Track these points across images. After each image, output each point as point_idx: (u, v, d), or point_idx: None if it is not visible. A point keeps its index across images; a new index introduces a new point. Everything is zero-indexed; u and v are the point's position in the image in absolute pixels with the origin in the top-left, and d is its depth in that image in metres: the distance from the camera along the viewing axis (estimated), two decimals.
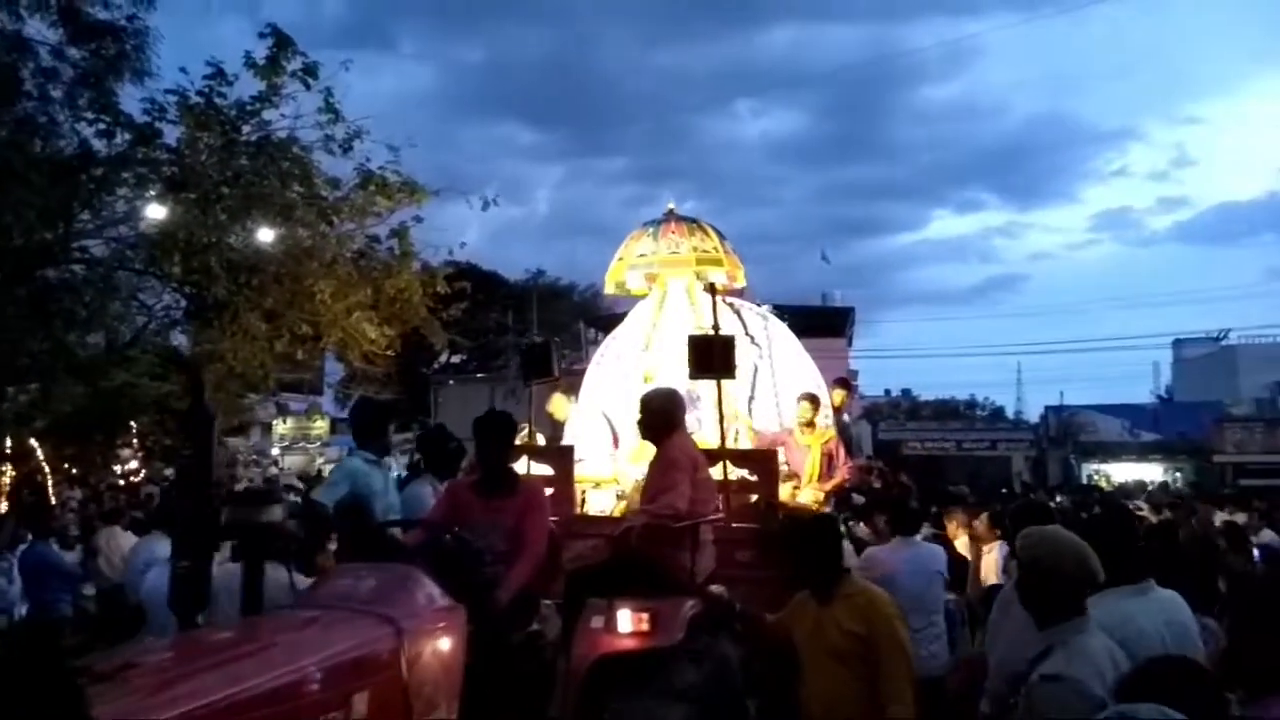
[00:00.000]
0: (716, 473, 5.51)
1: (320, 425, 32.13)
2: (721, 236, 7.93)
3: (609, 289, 8.21)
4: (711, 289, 6.57)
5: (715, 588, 4.53)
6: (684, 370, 6.53)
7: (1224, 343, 41.89)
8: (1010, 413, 47.83)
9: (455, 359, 34.44)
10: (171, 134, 10.32)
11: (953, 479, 19.53)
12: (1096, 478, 30.82)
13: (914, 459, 30.26)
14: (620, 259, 8.01)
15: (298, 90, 10.53)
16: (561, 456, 6.56)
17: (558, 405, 8.18)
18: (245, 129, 10.59)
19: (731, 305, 7.89)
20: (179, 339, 12.02)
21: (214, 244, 9.95)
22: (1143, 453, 33.61)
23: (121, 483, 17.39)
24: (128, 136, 9.92)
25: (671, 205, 8.18)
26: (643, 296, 8.16)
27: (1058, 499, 16.46)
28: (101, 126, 10.06)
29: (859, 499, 8.47)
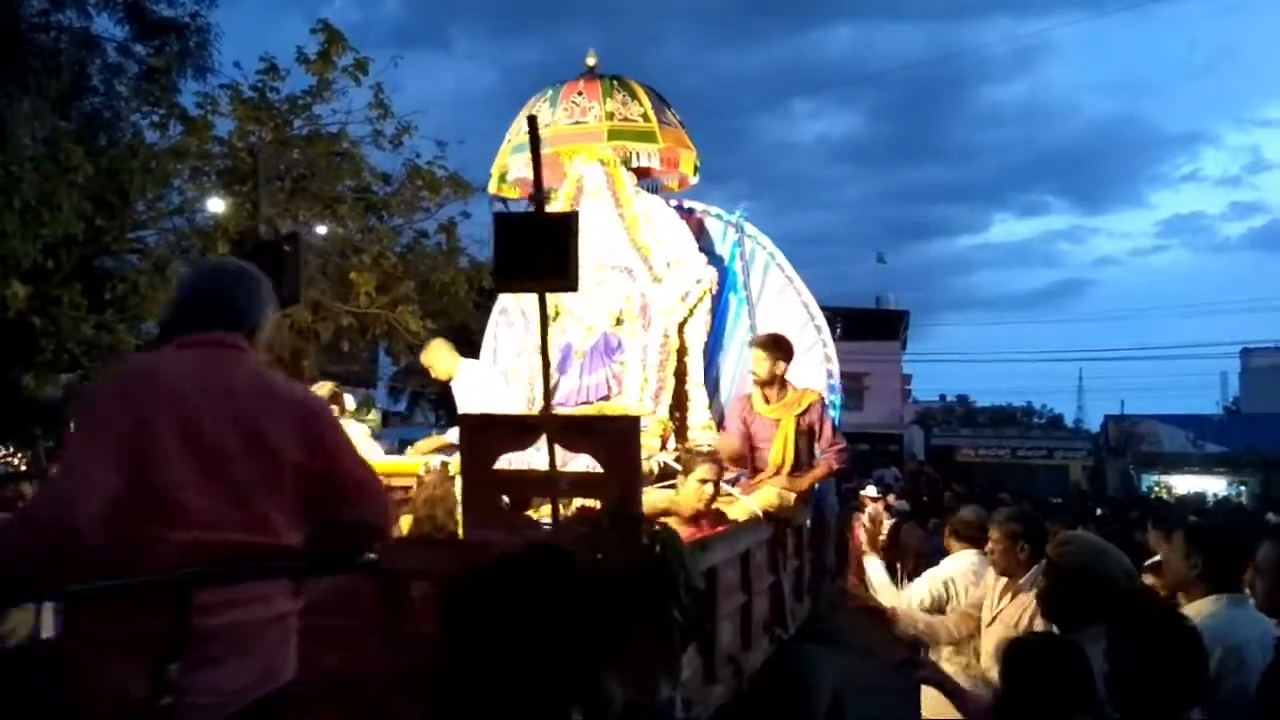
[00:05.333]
0: (531, 459, 3.12)
1: (373, 418, 32.61)
2: (663, 102, 5.54)
3: (492, 187, 5.80)
4: (532, 125, 3.02)
5: None
6: (606, 305, 4.89)
7: None
8: (1069, 421, 46.81)
9: None
10: (225, 127, 10.56)
11: (1022, 489, 18.81)
12: (1157, 489, 29.97)
13: (972, 465, 29.74)
14: (507, 141, 5.58)
15: (348, 85, 10.67)
16: None
17: (436, 355, 5.57)
18: (296, 123, 10.77)
19: (693, 211, 5.73)
20: None
21: (258, 234, 10.14)
22: (1206, 465, 32.57)
23: None
24: (180, 128, 10.14)
25: (591, 60, 5.57)
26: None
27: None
28: (155, 119, 10.30)
29: (899, 502, 8.18)
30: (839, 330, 28.44)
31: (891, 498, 8.36)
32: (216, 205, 10.46)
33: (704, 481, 3.98)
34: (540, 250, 2.99)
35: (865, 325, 29.79)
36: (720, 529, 3.84)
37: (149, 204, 10.54)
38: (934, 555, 5.08)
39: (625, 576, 1.50)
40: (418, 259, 11.95)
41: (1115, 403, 50.92)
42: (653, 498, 4.04)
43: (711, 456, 4.18)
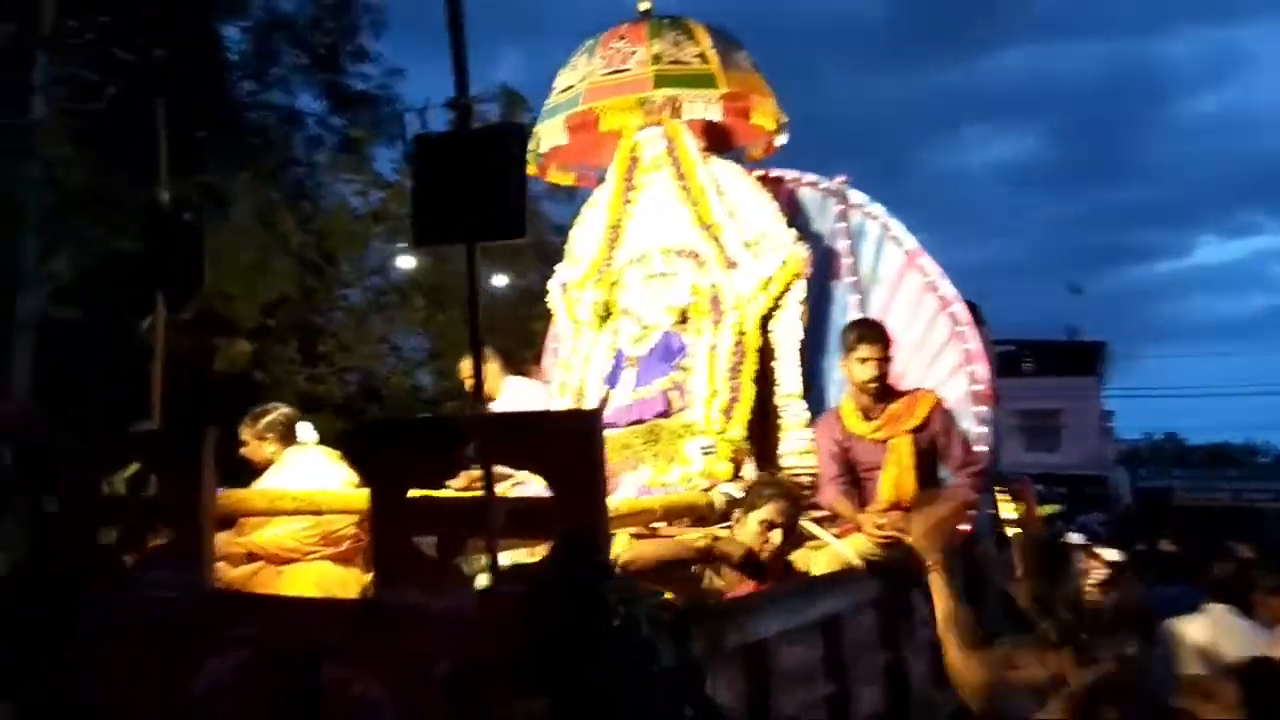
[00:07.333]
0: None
1: None
2: (732, 43, 4.45)
3: (530, 169, 4.52)
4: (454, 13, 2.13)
5: None
6: (668, 299, 4.09)
7: None
8: None
9: None
10: None
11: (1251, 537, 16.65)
12: None
13: (1187, 510, 27.33)
14: (545, 109, 4.65)
15: None
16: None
17: (489, 371, 4.41)
18: None
19: (782, 180, 4.61)
20: (425, 379, 12.94)
21: (450, 288, 10.76)
22: None
23: None
24: (380, 194, 10.93)
25: (645, 4, 4.57)
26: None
27: None
28: (358, 186, 11.15)
29: (1108, 551, 7.40)
30: (1030, 365, 27.01)
31: (1113, 553, 7.36)
32: (409, 262, 11.18)
33: (768, 524, 2.92)
34: (470, 182, 2.10)
35: (1058, 359, 28.07)
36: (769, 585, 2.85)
37: (352, 264, 11.36)
38: (1160, 611, 4.44)
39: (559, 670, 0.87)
40: None
41: None
42: (686, 539, 3.06)
43: (785, 491, 3.12)
